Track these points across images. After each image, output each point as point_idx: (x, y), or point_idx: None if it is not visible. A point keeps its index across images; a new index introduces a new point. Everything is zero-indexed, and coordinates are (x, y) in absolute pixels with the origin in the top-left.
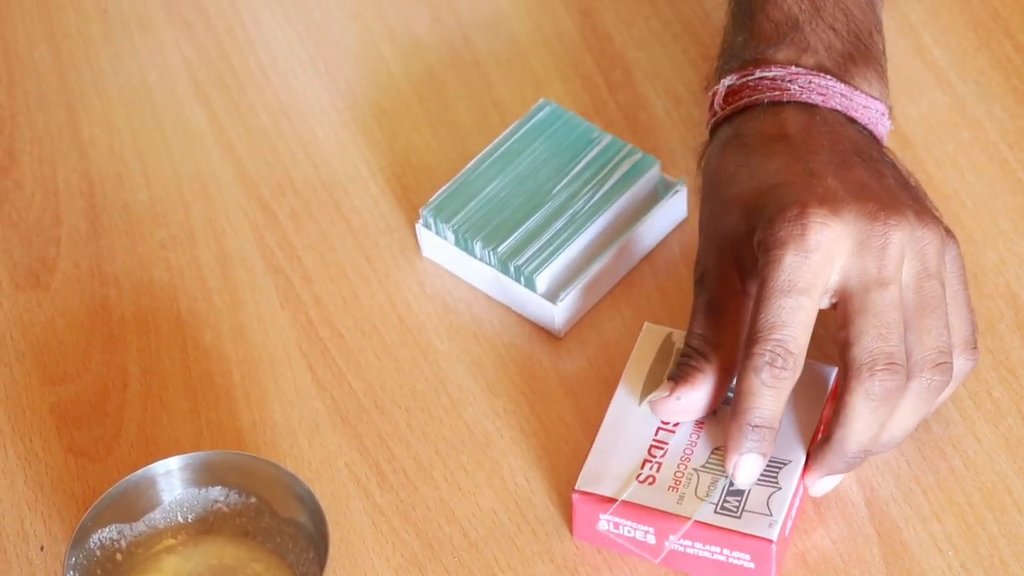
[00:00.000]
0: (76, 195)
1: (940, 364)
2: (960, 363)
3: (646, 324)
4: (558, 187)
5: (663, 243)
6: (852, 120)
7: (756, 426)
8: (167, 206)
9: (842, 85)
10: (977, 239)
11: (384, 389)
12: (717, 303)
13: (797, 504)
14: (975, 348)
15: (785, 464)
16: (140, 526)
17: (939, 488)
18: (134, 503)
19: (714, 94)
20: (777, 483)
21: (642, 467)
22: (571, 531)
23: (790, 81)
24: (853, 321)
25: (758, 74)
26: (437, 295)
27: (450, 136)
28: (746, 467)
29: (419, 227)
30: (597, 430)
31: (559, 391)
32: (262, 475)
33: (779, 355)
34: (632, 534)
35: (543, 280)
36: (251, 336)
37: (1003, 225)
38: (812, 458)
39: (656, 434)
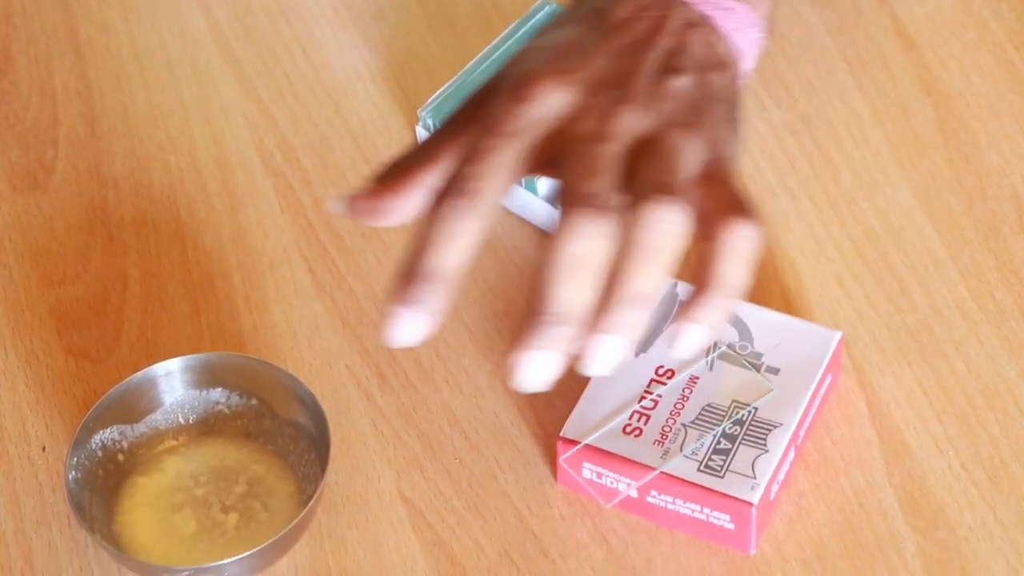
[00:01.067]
0: (73, 97)
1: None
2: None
3: None
4: None
5: None
6: (706, 19)
7: (414, 273)
8: (165, 109)
9: None
10: (982, 141)
11: (384, 291)
12: (446, 129)
13: (786, 468)
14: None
15: (776, 427)
16: (141, 427)
17: (940, 390)
18: (135, 404)
19: None
20: (765, 446)
21: (630, 418)
22: (555, 477)
23: None
24: (562, 160)
25: None
26: None
27: (449, 37)
28: (399, 326)
29: (419, 129)
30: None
31: None
32: (263, 377)
33: (457, 192)
34: (615, 485)
35: (544, 183)
36: (251, 239)
37: (1008, 127)
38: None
39: (648, 385)
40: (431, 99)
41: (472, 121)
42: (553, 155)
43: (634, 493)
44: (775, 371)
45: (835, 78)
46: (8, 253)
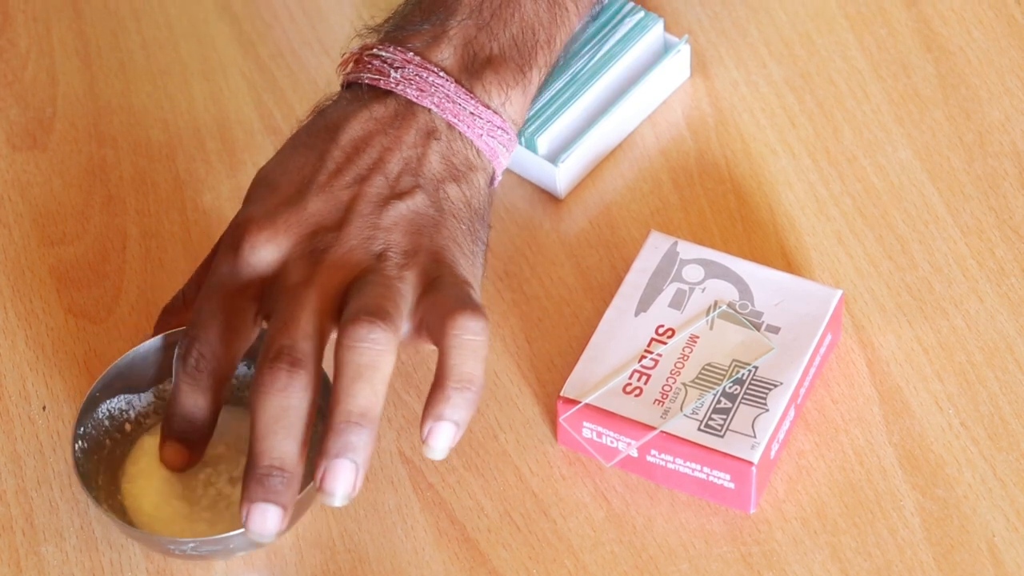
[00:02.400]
0: (71, 54)
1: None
2: (455, 396)
3: (652, 232)
4: None
5: (666, 104)
6: (451, 126)
7: (174, 414)
8: (164, 66)
9: (453, 86)
10: (983, 97)
11: None
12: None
13: (786, 428)
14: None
15: (776, 386)
16: (149, 396)
17: (940, 347)
18: (143, 373)
19: (345, 54)
20: (765, 405)
21: (630, 378)
22: (555, 437)
23: (397, 67)
24: (271, 308)
25: (375, 51)
26: None
27: None
28: (255, 520)
29: None
30: (592, 333)
31: (560, 253)
32: None
33: (191, 354)
34: (615, 445)
35: (544, 142)
36: None
37: (1009, 83)
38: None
39: (649, 345)
40: None
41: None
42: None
43: (634, 452)
44: (775, 330)
45: (835, 35)
46: (8, 212)
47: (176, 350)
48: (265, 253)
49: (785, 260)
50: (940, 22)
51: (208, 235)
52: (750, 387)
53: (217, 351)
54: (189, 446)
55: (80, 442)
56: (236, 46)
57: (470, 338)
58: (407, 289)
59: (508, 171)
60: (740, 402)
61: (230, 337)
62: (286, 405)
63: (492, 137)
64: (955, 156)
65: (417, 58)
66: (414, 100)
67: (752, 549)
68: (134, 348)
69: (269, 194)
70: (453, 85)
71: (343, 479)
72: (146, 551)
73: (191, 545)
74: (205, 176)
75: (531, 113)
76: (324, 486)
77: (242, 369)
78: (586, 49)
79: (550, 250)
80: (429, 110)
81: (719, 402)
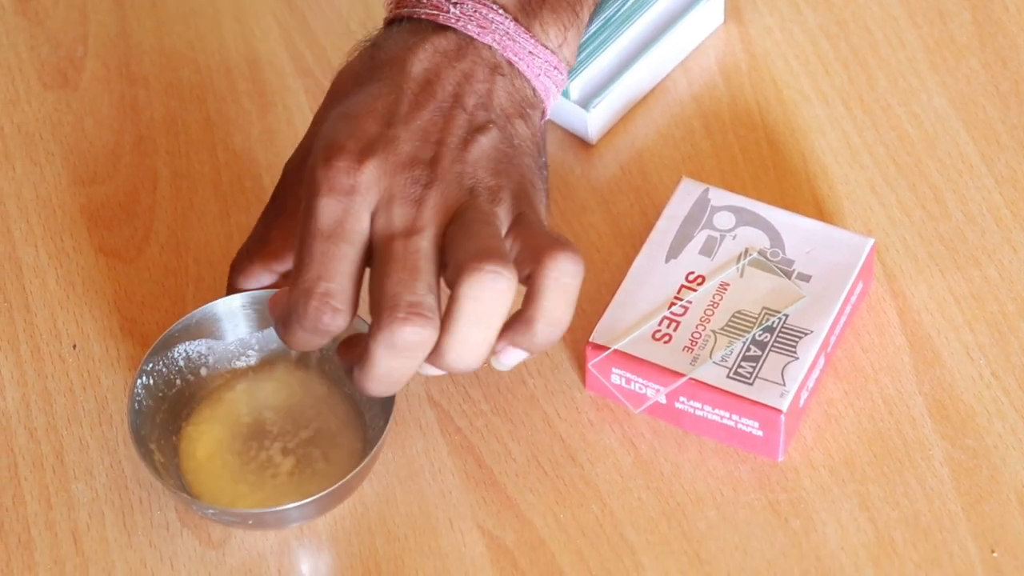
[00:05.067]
0: None
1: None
2: (542, 332)
3: (683, 179)
4: None
5: (698, 50)
6: (511, 64)
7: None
8: (195, 6)
9: (511, 23)
10: (1020, 45)
11: None
12: (277, 202)
13: (816, 376)
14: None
15: (806, 334)
16: (230, 347)
17: (972, 297)
18: (225, 325)
19: None
20: (795, 353)
21: (659, 324)
22: (583, 382)
23: (455, 3)
24: (377, 267)
25: None
26: None
27: None
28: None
29: None
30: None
31: (591, 199)
32: (353, 331)
33: (317, 301)
34: (644, 391)
35: (576, 87)
36: (281, 140)
37: None
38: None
39: (679, 292)
40: None
41: (291, 200)
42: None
43: (663, 399)
44: (806, 278)
45: None
46: (39, 151)
47: (294, 307)
48: (367, 192)
49: (817, 208)
50: None
51: (238, 176)
52: (780, 335)
53: (349, 298)
54: None
55: (145, 378)
56: None
57: (567, 281)
58: (500, 226)
59: None
60: (770, 350)
61: (351, 284)
62: (408, 367)
63: (548, 77)
64: (990, 105)
65: None
66: (475, 36)
67: (780, 497)
68: (220, 299)
69: (355, 129)
70: (512, 23)
71: (515, 360)
72: None
73: (211, 511)
74: (236, 117)
75: None
76: (501, 359)
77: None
78: None
79: (581, 196)
80: (490, 47)
81: (748, 350)
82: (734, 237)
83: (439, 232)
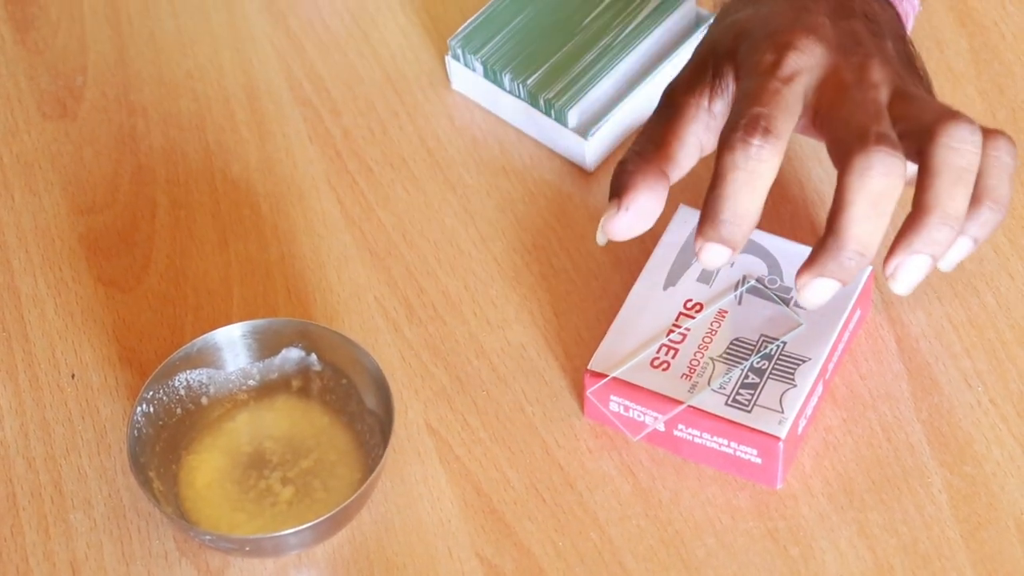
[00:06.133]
0: (102, 22)
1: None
2: (987, 215)
3: (680, 206)
4: (588, 18)
5: None
6: None
7: (723, 220)
8: (194, 35)
9: None
10: (1016, 73)
11: (413, 223)
12: (673, 105)
13: (814, 403)
14: (1001, 204)
15: (804, 361)
16: (231, 377)
17: (970, 324)
18: (226, 355)
19: None
20: (793, 380)
21: (658, 352)
22: (581, 410)
23: None
24: (839, 107)
25: None
26: (467, 129)
27: None
28: (709, 254)
29: (448, 59)
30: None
31: (589, 226)
32: (353, 360)
33: (756, 130)
34: (642, 419)
35: (574, 115)
36: (279, 169)
37: None
38: (807, 260)
39: (677, 319)
40: (461, 29)
41: (692, 97)
42: (816, 106)
43: (661, 427)
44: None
45: None
46: (38, 181)
47: (731, 127)
48: (815, 49)
49: (814, 235)
50: None
51: (237, 205)
52: (778, 362)
53: (786, 130)
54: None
55: (145, 405)
56: (266, 16)
57: (1005, 158)
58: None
59: (536, 143)
60: (768, 377)
61: (792, 121)
62: (890, 187)
63: (907, 2)
64: None
65: None
66: None
67: (778, 524)
68: (220, 328)
69: (778, 20)
70: None
71: (919, 273)
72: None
73: (209, 537)
74: (234, 146)
75: (561, 85)
76: (897, 275)
77: (296, 354)
78: (617, 21)
79: (579, 223)
80: None
81: (747, 377)
82: (731, 264)
83: (886, 97)
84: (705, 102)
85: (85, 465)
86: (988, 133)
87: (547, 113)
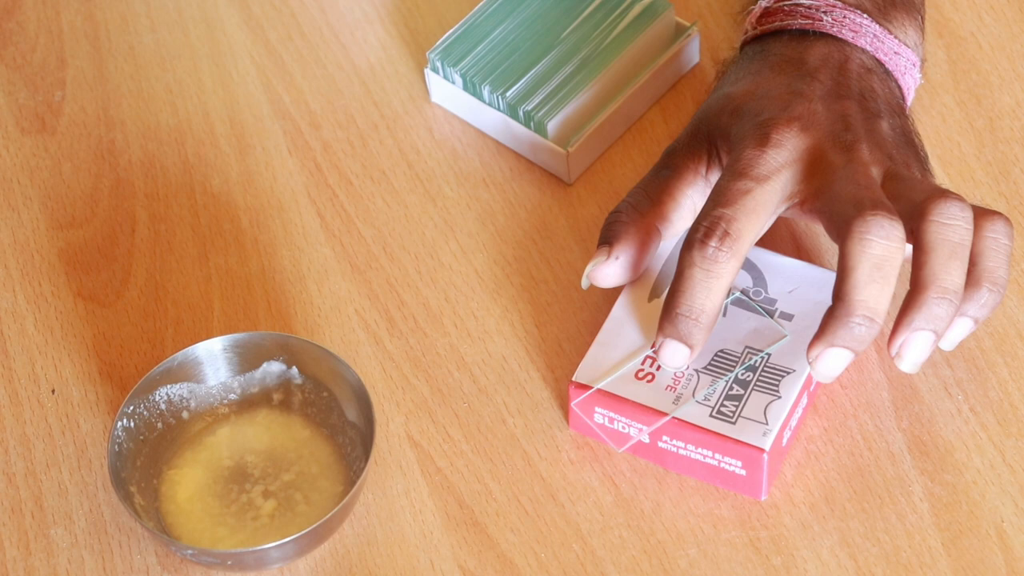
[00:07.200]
0: (80, 37)
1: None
2: (986, 296)
3: None
4: (567, 30)
5: (675, 88)
6: (880, 63)
7: (679, 314)
8: (173, 50)
9: (876, 26)
10: (993, 83)
11: (393, 236)
12: (672, 167)
13: (798, 415)
14: (998, 286)
15: (787, 373)
16: (212, 391)
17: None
18: (206, 369)
19: (749, 13)
20: (777, 392)
21: (642, 364)
22: (565, 421)
23: (824, 12)
24: (829, 187)
25: (794, 1)
26: (446, 141)
27: None
28: (666, 352)
29: (427, 72)
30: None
31: (569, 238)
32: (335, 373)
33: (714, 232)
34: (627, 430)
35: (553, 126)
36: (259, 182)
37: (1020, 69)
38: (817, 332)
39: None
40: (440, 42)
41: (690, 162)
42: (806, 192)
43: (646, 438)
44: (789, 317)
45: None
46: (16, 196)
47: (692, 228)
48: (797, 142)
49: (795, 246)
50: (951, 7)
51: (216, 219)
52: (763, 374)
53: (753, 233)
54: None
55: (126, 420)
56: (245, 30)
57: (1003, 240)
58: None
59: (516, 155)
60: (752, 389)
61: (762, 223)
62: (890, 252)
63: (909, 75)
64: (965, 142)
65: (839, 2)
66: (849, 41)
67: (760, 534)
68: (201, 342)
69: (769, 105)
70: (876, 26)
71: (923, 350)
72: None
73: (191, 552)
74: (214, 160)
75: (541, 98)
76: (903, 354)
77: (277, 367)
78: (596, 33)
79: (560, 235)
80: (864, 50)
81: (731, 389)
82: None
83: (877, 177)
84: (703, 169)
85: (66, 480)
86: (986, 214)
87: (527, 125)
